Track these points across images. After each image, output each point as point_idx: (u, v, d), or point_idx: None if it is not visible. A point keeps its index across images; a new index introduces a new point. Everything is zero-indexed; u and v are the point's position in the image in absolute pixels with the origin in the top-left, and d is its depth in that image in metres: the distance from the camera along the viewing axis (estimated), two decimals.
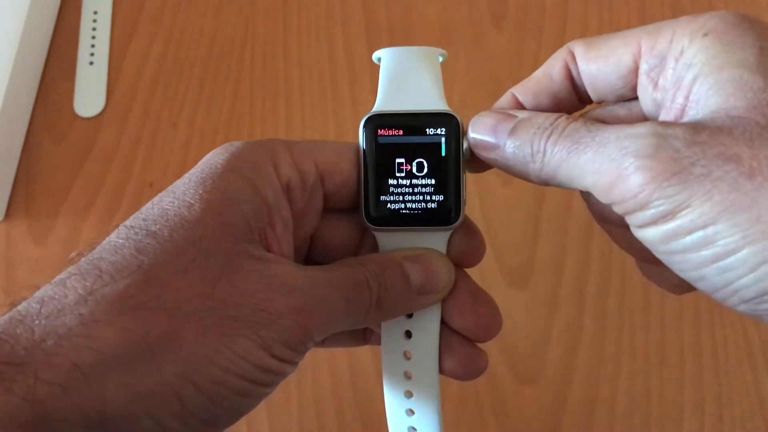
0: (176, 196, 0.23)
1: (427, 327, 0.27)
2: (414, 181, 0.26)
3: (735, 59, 0.21)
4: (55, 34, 0.56)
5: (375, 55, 0.28)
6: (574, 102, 0.26)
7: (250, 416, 0.43)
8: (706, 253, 0.19)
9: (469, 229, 0.27)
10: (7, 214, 0.50)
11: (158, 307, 0.20)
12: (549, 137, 0.22)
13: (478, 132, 0.25)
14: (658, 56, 0.23)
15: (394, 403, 0.27)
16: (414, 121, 0.26)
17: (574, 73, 0.25)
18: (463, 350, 0.27)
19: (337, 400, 0.43)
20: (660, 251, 0.21)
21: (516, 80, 0.27)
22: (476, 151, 0.25)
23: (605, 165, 0.21)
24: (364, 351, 0.44)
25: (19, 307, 0.21)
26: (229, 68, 0.54)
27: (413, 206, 0.26)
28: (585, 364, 0.44)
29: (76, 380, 0.19)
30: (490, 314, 0.27)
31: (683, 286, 0.23)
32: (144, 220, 0.22)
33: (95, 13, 0.57)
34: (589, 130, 0.22)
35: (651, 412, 0.42)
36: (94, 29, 0.56)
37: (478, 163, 0.26)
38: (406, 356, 0.27)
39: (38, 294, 0.21)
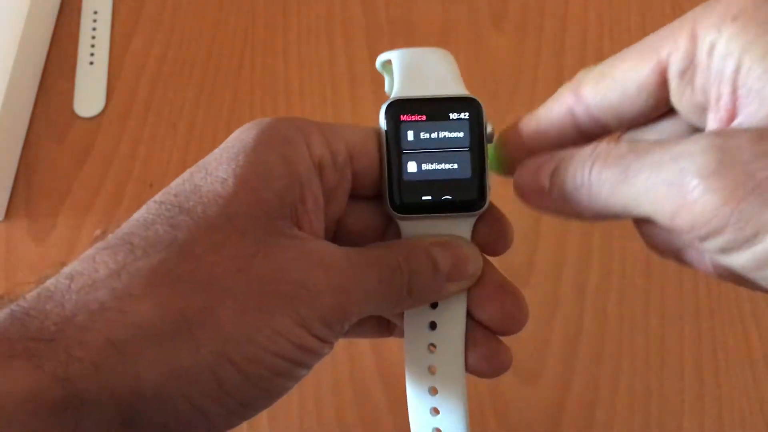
0: (208, 172, 0.22)
1: (453, 317, 0.26)
2: (438, 167, 0.25)
3: None
4: (55, 34, 0.56)
5: (383, 57, 0.27)
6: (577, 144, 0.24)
7: None
8: None
9: (495, 215, 0.27)
10: (7, 214, 0.50)
11: (195, 282, 0.20)
12: (592, 167, 0.21)
13: (523, 178, 0.24)
14: (686, 58, 0.21)
15: (417, 403, 0.26)
16: (436, 106, 0.25)
17: (581, 115, 0.24)
18: (487, 344, 0.26)
19: (337, 400, 0.43)
20: (756, 277, 0.19)
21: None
22: (525, 201, 0.24)
23: (663, 190, 0.19)
24: (364, 351, 0.44)
25: (47, 283, 0.20)
26: (229, 68, 0.54)
27: (437, 193, 0.25)
28: (585, 364, 0.43)
29: (110, 357, 0.18)
30: (516, 305, 0.26)
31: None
32: (175, 195, 0.22)
33: (95, 13, 0.57)
34: (635, 153, 0.20)
35: (651, 412, 0.42)
36: (94, 29, 0.56)
37: (504, 166, 0.25)
38: (430, 349, 0.26)
39: (66, 270, 0.20)
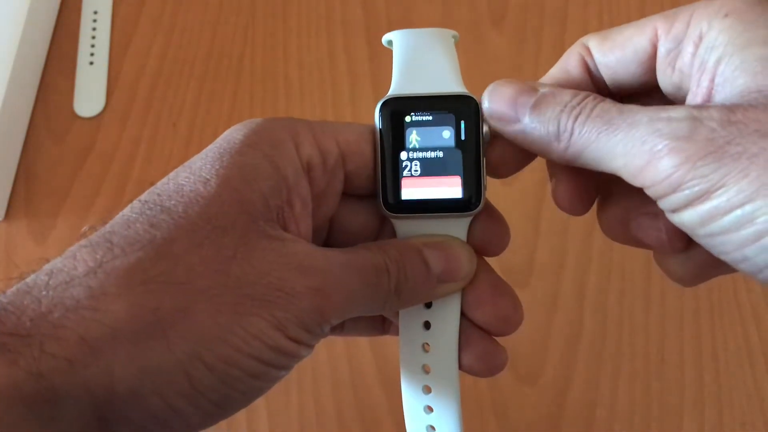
0: (192, 171, 0.22)
1: (447, 317, 0.26)
2: (432, 167, 0.25)
3: (759, 37, 0.20)
4: (55, 34, 0.56)
5: (386, 38, 0.27)
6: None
7: (249, 414, 0.43)
8: (746, 231, 0.19)
9: (492, 215, 0.26)
10: (7, 214, 0.50)
11: (170, 282, 0.20)
12: (577, 117, 0.22)
13: (496, 102, 0.24)
14: (675, 40, 0.22)
15: (412, 401, 0.26)
16: (433, 104, 0.25)
17: (592, 67, 0.25)
18: (481, 344, 0.26)
19: (337, 399, 0.43)
20: (699, 234, 0.20)
21: None
22: (492, 122, 0.24)
23: (637, 147, 0.20)
24: (363, 349, 0.44)
25: (27, 279, 0.20)
26: (229, 68, 0.54)
27: (432, 193, 0.25)
28: (585, 364, 0.43)
29: (83, 354, 0.18)
30: (511, 306, 0.26)
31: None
32: (159, 195, 0.22)
33: (95, 13, 0.57)
34: (620, 111, 0.21)
35: (651, 412, 0.42)
36: (94, 29, 0.56)
37: (501, 168, 0.25)
38: (425, 348, 0.26)
39: (47, 266, 0.20)
